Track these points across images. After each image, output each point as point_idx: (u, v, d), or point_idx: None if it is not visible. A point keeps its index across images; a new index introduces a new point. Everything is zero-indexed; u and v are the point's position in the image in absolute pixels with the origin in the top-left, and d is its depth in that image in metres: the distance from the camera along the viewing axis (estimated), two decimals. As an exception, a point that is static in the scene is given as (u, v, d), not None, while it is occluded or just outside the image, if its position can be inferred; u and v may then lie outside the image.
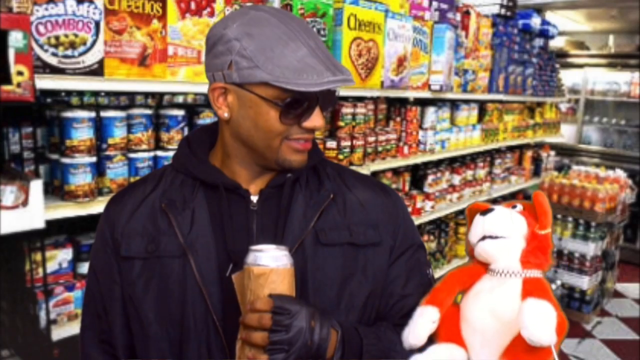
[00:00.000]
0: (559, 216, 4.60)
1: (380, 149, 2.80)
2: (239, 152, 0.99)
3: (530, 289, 0.85)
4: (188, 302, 0.93)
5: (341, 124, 2.61)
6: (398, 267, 1.04)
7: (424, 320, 0.89)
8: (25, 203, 1.48)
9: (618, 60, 6.79)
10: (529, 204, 0.93)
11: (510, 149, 4.53)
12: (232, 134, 0.97)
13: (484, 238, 0.90)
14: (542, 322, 0.78)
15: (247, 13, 0.92)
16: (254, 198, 0.99)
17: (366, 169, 2.66)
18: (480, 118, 3.96)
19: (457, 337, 0.89)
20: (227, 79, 0.92)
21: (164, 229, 0.96)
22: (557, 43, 6.55)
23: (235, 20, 0.91)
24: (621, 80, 6.91)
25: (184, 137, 1.09)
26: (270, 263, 0.83)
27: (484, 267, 0.92)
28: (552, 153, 5.22)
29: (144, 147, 1.86)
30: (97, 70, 1.62)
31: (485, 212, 0.92)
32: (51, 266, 1.76)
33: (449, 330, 0.90)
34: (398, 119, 3.07)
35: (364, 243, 1.00)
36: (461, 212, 3.82)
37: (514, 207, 0.94)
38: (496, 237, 0.89)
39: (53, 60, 1.53)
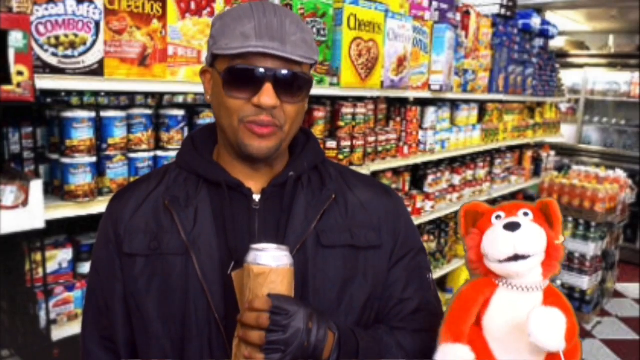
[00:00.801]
0: (559, 216, 4.60)
1: (380, 149, 2.80)
2: (223, 140, 1.01)
3: (550, 297, 0.85)
4: (190, 300, 0.93)
5: (341, 124, 2.61)
6: (398, 271, 1.04)
7: None
8: (25, 203, 1.48)
9: (618, 60, 6.78)
10: (536, 209, 0.91)
11: (510, 149, 4.53)
12: (216, 121, 1.00)
13: (516, 258, 0.85)
14: (548, 328, 0.77)
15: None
16: (256, 197, 0.99)
17: (366, 169, 2.66)
18: (480, 118, 3.96)
19: (490, 358, 0.86)
20: (207, 62, 0.99)
21: (167, 226, 0.96)
22: (557, 43, 6.55)
23: None
24: (621, 80, 6.91)
25: (189, 135, 1.09)
26: (271, 263, 0.83)
27: (496, 278, 0.89)
28: (552, 153, 5.22)
29: (144, 147, 1.86)
30: (97, 70, 1.62)
31: (511, 226, 0.86)
32: (51, 266, 1.76)
33: (479, 353, 0.86)
34: (398, 119, 3.07)
35: (364, 245, 1.00)
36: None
37: (525, 214, 0.90)
38: (528, 256, 0.85)
39: (53, 60, 1.53)
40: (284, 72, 0.91)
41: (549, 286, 0.88)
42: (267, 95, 0.90)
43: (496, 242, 0.87)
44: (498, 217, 0.91)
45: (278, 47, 0.89)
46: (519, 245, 0.85)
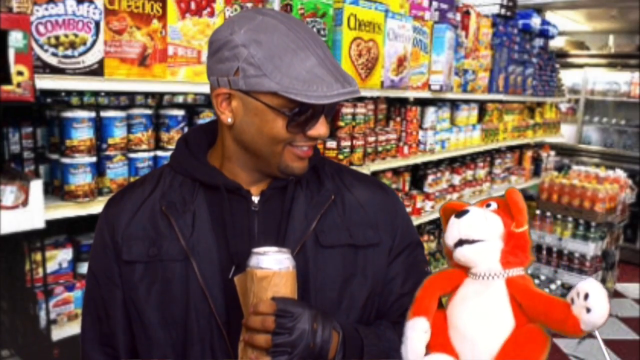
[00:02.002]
0: (559, 216, 4.60)
1: (380, 149, 2.80)
2: (240, 156, 0.98)
3: (517, 288, 0.84)
4: (191, 306, 0.93)
5: (341, 124, 2.61)
6: (397, 266, 1.05)
7: (417, 333, 0.88)
8: (25, 203, 1.48)
9: (618, 60, 6.79)
10: (503, 201, 0.91)
11: (510, 149, 4.53)
12: (234, 139, 0.97)
13: (460, 243, 0.88)
14: (605, 302, 0.76)
15: (255, 18, 0.90)
16: (255, 199, 0.99)
17: (366, 169, 2.66)
18: (480, 118, 3.96)
19: (447, 345, 0.88)
20: (232, 85, 0.90)
21: (165, 232, 0.95)
22: (557, 43, 6.55)
23: (242, 25, 0.89)
24: (621, 80, 6.91)
25: (181, 136, 1.08)
26: (273, 266, 0.84)
27: (464, 270, 0.91)
28: (552, 153, 5.22)
29: (144, 147, 1.86)
30: (97, 70, 1.62)
31: (460, 213, 0.90)
32: (51, 266, 1.76)
33: (437, 339, 0.89)
34: (398, 119, 3.07)
35: (363, 244, 1.01)
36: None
37: (488, 205, 0.92)
38: (473, 241, 0.87)
39: (53, 60, 1.53)
40: (335, 103, 0.93)
41: (521, 276, 0.87)
42: (324, 127, 0.93)
43: (447, 230, 0.90)
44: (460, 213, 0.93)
45: (352, 91, 0.89)
46: (462, 229, 0.87)
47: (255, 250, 0.86)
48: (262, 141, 0.93)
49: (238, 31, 0.89)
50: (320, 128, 0.92)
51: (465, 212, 0.89)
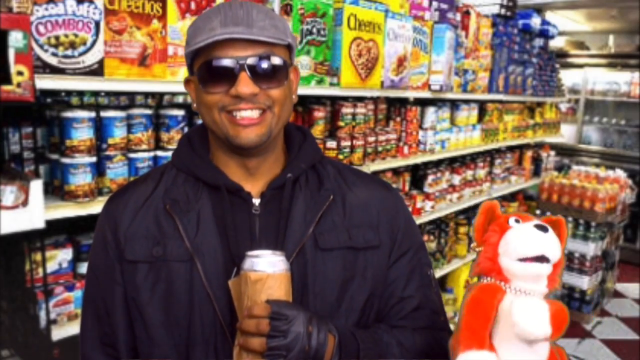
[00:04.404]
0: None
1: (380, 149, 2.80)
2: (214, 142, 1.01)
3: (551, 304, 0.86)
4: (195, 307, 0.93)
5: (341, 124, 2.61)
6: (398, 269, 1.03)
7: None
8: (25, 203, 1.48)
9: (618, 60, 6.78)
10: (546, 222, 0.91)
11: (510, 149, 4.53)
12: (204, 123, 1.00)
13: (541, 259, 0.85)
14: (532, 316, 0.79)
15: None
16: (256, 201, 0.98)
17: (366, 169, 2.66)
18: (480, 118, 3.96)
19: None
20: (189, 71, 0.99)
21: (170, 232, 0.95)
22: (557, 43, 6.55)
23: None
24: (621, 80, 6.91)
25: (185, 134, 1.08)
26: (267, 269, 0.84)
27: (504, 282, 0.88)
28: (552, 153, 5.22)
29: (144, 147, 1.86)
30: (97, 70, 1.62)
31: (542, 228, 0.87)
32: (51, 266, 1.76)
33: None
34: (398, 119, 3.07)
35: (363, 246, 0.99)
36: (461, 212, 3.82)
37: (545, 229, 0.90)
38: (549, 261, 0.86)
39: (53, 60, 1.53)
40: (257, 58, 0.90)
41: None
42: (244, 85, 0.89)
43: (527, 240, 0.86)
44: (517, 220, 0.90)
45: (243, 31, 0.88)
46: (548, 246, 0.85)
47: (249, 253, 0.86)
48: (204, 113, 0.96)
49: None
50: (240, 86, 0.89)
51: (546, 228, 0.87)
